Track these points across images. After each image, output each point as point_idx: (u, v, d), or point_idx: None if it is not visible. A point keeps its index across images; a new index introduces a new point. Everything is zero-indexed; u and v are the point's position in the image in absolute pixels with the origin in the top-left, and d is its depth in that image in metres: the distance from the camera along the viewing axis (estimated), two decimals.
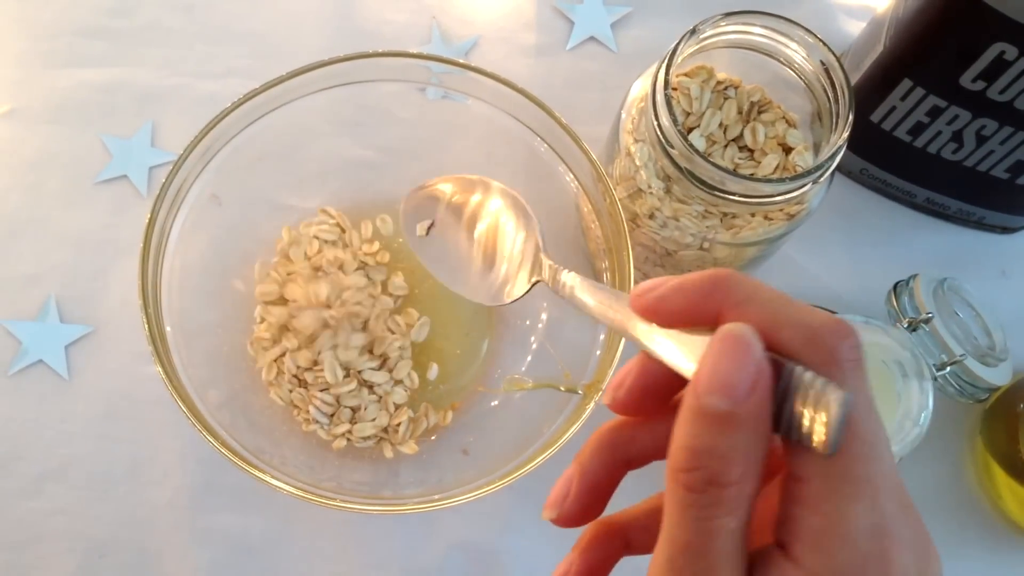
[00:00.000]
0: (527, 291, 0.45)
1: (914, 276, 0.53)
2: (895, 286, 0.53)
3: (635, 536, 0.32)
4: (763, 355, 0.25)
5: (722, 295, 0.27)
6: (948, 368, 0.50)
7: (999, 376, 0.53)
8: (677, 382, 0.28)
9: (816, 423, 0.24)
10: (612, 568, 0.32)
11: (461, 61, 0.52)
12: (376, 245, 0.58)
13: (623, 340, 0.48)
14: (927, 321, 0.50)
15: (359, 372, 0.54)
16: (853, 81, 0.57)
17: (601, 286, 0.36)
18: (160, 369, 0.46)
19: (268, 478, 0.45)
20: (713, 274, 0.28)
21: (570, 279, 0.38)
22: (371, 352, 0.55)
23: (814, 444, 0.24)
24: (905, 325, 0.50)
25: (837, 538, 0.25)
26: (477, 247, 0.49)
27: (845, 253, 0.63)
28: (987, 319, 0.54)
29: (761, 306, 0.26)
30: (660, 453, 0.29)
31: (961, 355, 0.50)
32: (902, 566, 0.25)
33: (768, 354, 0.25)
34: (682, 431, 0.25)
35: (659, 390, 0.30)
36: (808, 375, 0.25)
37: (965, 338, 0.51)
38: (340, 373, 0.53)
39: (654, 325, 0.29)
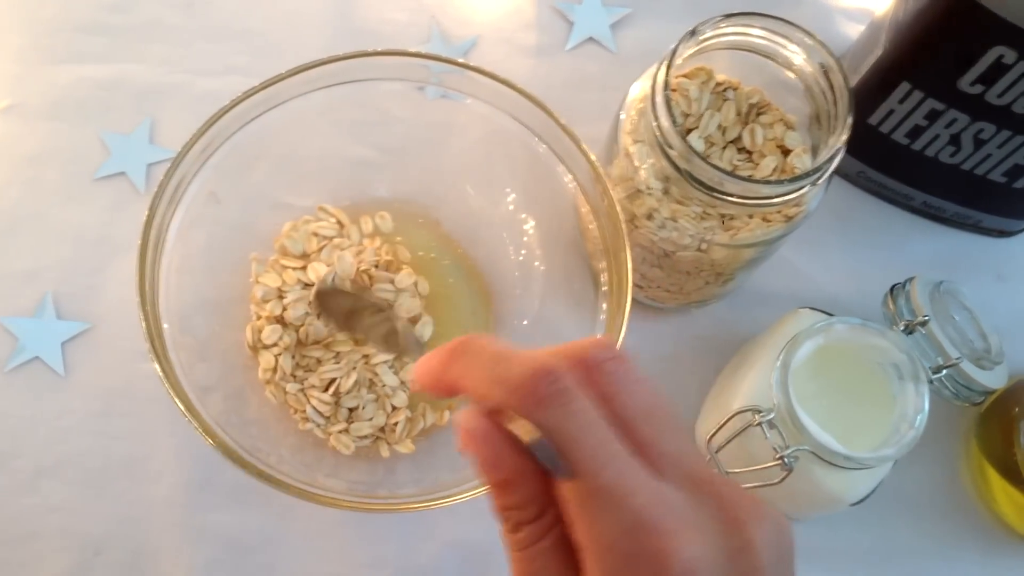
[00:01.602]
0: None
1: (911, 279, 0.53)
2: (892, 289, 0.53)
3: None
4: (485, 430, 0.29)
5: (453, 366, 0.31)
6: (944, 371, 0.50)
7: (994, 379, 0.53)
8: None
9: (540, 455, 0.29)
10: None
11: (460, 60, 0.52)
12: (378, 241, 0.58)
13: (620, 342, 0.48)
14: (923, 324, 0.50)
15: (373, 367, 0.54)
16: (851, 84, 0.57)
17: None
18: (157, 366, 0.46)
19: (269, 480, 0.45)
20: (449, 345, 0.31)
21: None
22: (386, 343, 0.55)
23: (556, 473, 0.29)
24: (901, 328, 0.50)
25: (599, 550, 0.28)
26: None
27: (842, 255, 0.63)
28: (983, 322, 0.55)
29: (476, 375, 0.30)
30: None
31: (957, 358, 0.50)
32: (686, 550, 0.27)
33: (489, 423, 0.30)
34: (491, 498, 0.31)
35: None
36: (516, 430, 0.29)
37: (961, 341, 0.51)
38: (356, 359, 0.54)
39: None
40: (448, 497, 0.46)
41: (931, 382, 0.49)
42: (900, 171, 0.61)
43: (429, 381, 0.32)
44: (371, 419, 0.54)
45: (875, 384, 0.49)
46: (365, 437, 0.54)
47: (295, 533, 0.56)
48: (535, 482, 0.29)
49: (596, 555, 0.28)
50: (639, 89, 0.50)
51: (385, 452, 0.54)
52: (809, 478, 0.49)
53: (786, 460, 0.47)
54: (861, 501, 0.51)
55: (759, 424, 0.48)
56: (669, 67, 0.46)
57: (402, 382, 0.55)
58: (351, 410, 0.54)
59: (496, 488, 0.30)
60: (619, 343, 0.48)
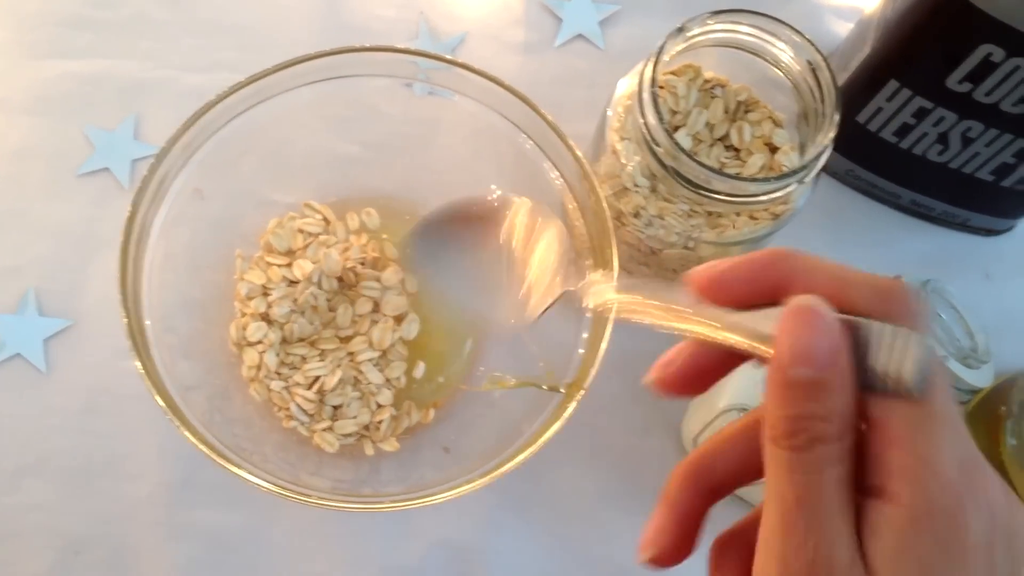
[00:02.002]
0: (553, 303, 0.43)
1: (898, 278, 0.53)
2: None
3: (721, 466, 0.32)
4: (836, 320, 0.26)
5: (784, 268, 0.28)
6: None
7: (981, 378, 0.53)
8: (726, 362, 0.30)
9: (903, 368, 0.26)
10: (703, 520, 0.32)
11: (448, 57, 0.52)
12: (365, 238, 0.57)
13: (606, 340, 0.47)
14: None
15: (358, 364, 0.54)
16: (840, 82, 0.57)
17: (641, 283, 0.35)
18: (138, 364, 0.46)
19: (246, 474, 0.45)
20: (772, 251, 0.29)
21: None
22: (371, 343, 0.54)
23: (904, 387, 0.26)
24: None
25: (930, 472, 0.26)
26: (498, 266, 0.47)
27: (830, 254, 0.61)
28: (970, 321, 0.54)
29: (826, 273, 0.27)
30: (741, 480, 0.31)
31: (943, 357, 0.49)
32: (994, 497, 0.26)
33: (840, 316, 0.26)
34: (776, 403, 0.27)
35: (708, 370, 0.31)
36: (882, 327, 0.26)
37: (948, 340, 0.51)
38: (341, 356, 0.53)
39: (716, 309, 0.29)
40: (432, 496, 0.46)
41: None
42: (888, 169, 0.61)
43: (739, 273, 0.29)
44: (355, 417, 0.54)
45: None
46: (349, 435, 0.54)
47: (278, 531, 0.55)
48: (849, 395, 0.26)
49: (915, 478, 0.25)
50: (626, 86, 0.50)
51: (369, 450, 0.54)
52: None
53: None
54: None
55: None
56: (656, 64, 0.45)
57: (387, 379, 0.54)
58: (335, 408, 0.54)
59: (801, 389, 0.26)
60: (605, 340, 0.48)
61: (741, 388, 0.51)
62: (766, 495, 0.27)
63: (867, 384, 0.26)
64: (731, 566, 0.32)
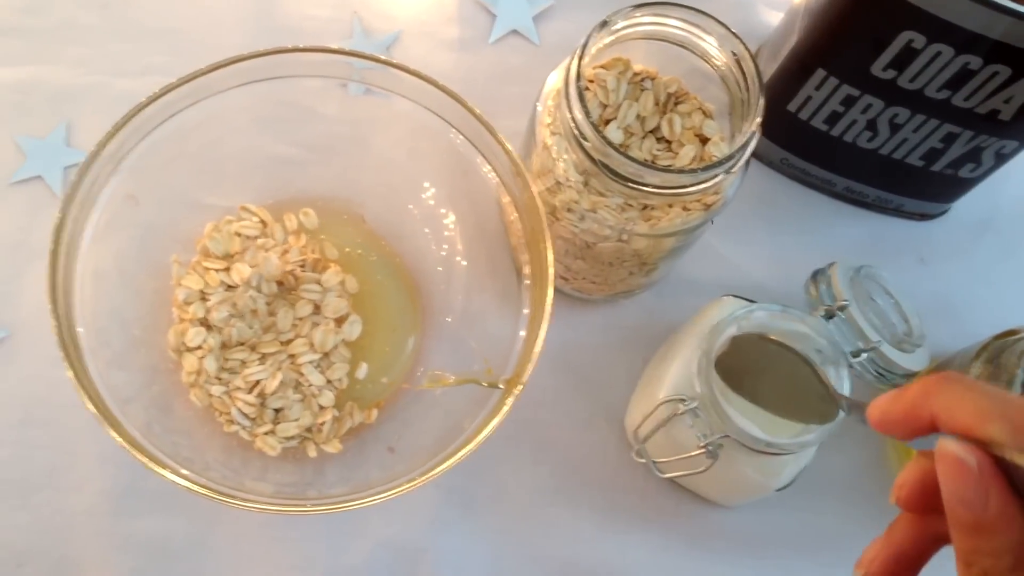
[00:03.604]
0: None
1: (832, 264, 0.53)
2: (814, 274, 0.54)
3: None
4: (976, 462, 0.28)
5: (933, 401, 0.30)
6: (864, 355, 0.50)
7: (915, 362, 0.53)
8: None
9: None
10: (927, 559, 0.34)
11: (383, 57, 0.52)
12: (303, 238, 0.57)
13: (542, 336, 0.48)
14: (843, 308, 0.50)
15: (299, 366, 0.54)
16: (770, 71, 0.58)
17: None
18: (70, 372, 0.45)
19: (181, 480, 0.44)
20: (923, 382, 0.31)
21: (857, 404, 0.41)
22: (312, 345, 0.54)
23: None
24: (822, 313, 0.51)
25: None
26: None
27: (766, 242, 0.63)
28: (904, 305, 0.55)
29: (971, 405, 0.29)
30: None
31: (877, 341, 0.50)
32: None
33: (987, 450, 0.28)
34: (951, 533, 0.29)
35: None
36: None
37: (882, 325, 0.52)
38: (281, 360, 0.53)
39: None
40: (375, 495, 0.46)
41: (851, 366, 0.50)
42: (821, 157, 0.61)
43: (899, 412, 0.31)
44: (298, 419, 0.53)
45: (800, 369, 0.50)
46: (292, 438, 0.54)
47: (222, 537, 0.55)
48: (1016, 530, 0.28)
49: None
50: (555, 80, 0.50)
51: (312, 452, 0.54)
52: (734, 465, 0.49)
53: (710, 448, 0.48)
54: (786, 487, 0.51)
55: (683, 413, 0.48)
56: (581, 58, 0.46)
57: (328, 381, 0.54)
58: (277, 411, 0.53)
59: (969, 529, 0.28)
60: (542, 336, 0.48)
61: (680, 379, 0.51)
62: None
63: None
64: (910, 535, 0.34)
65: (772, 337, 0.49)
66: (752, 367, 0.49)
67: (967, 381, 0.30)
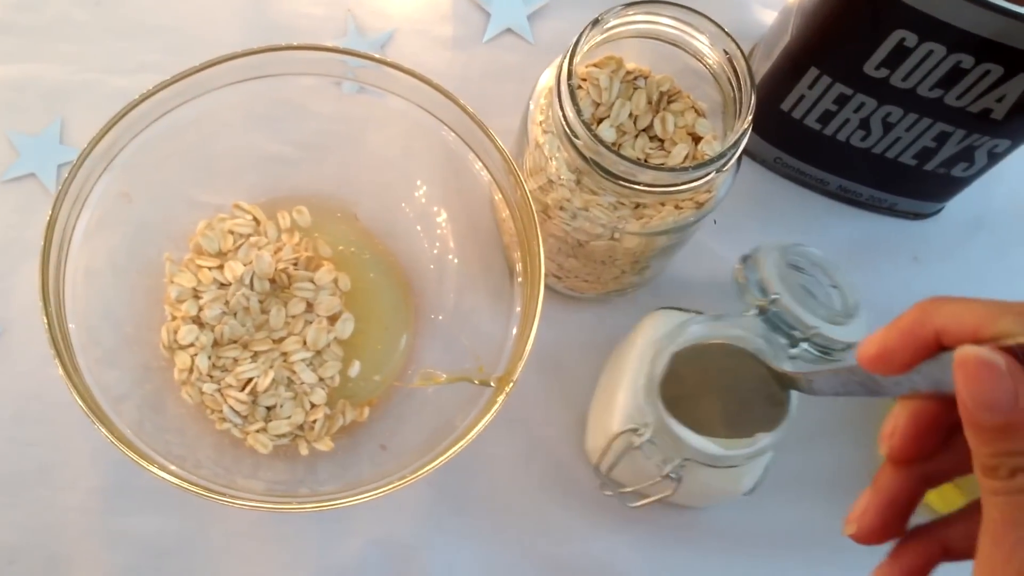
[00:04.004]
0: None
1: (757, 249, 0.51)
2: (740, 269, 0.51)
3: (955, 541, 0.34)
4: (1004, 363, 0.28)
5: (935, 321, 0.30)
6: (803, 342, 0.48)
7: (855, 332, 0.51)
8: (947, 413, 0.32)
9: None
10: (912, 506, 0.34)
11: (377, 56, 0.52)
12: (297, 236, 0.57)
13: (533, 333, 0.48)
14: (774, 302, 0.48)
15: (291, 364, 0.54)
16: (764, 70, 0.58)
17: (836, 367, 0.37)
18: (62, 371, 0.45)
19: (172, 477, 0.44)
20: (918, 308, 0.31)
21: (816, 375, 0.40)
22: (304, 343, 0.54)
23: None
24: (755, 312, 0.49)
25: None
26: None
27: (760, 241, 0.63)
28: (836, 276, 0.53)
29: (975, 312, 0.29)
30: (959, 470, 0.33)
31: (814, 326, 0.48)
32: None
33: (1005, 346, 0.28)
34: (974, 442, 0.29)
35: (933, 428, 0.32)
36: None
37: (817, 305, 0.50)
38: (273, 357, 0.53)
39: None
40: (367, 493, 0.46)
41: (793, 358, 0.48)
42: (814, 156, 0.61)
43: (898, 338, 0.31)
44: (289, 417, 0.53)
45: (745, 372, 0.48)
46: (283, 436, 0.53)
47: (214, 535, 0.55)
48: None
49: None
50: (548, 78, 0.50)
51: (304, 450, 0.54)
52: (699, 479, 0.49)
53: (672, 475, 0.47)
54: (753, 489, 0.51)
55: (639, 446, 0.47)
56: (573, 56, 0.46)
57: (320, 379, 0.54)
58: (269, 409, 0.53)
59: (997, 431, 0.28)
60: (533, 334, 0.48)
61: (629, 406, 0.50)
62: (982, 513, 0.29)
63: None
64: (910, 554, 0.34)
65: (713, 341, 0.48)
66: (697, 384, 0.48)
67: (961, 296, 0.30)
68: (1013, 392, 0.27)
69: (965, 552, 0.33)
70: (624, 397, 0.51)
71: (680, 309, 0.53)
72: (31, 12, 0.65)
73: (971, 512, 0.34)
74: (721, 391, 0.48)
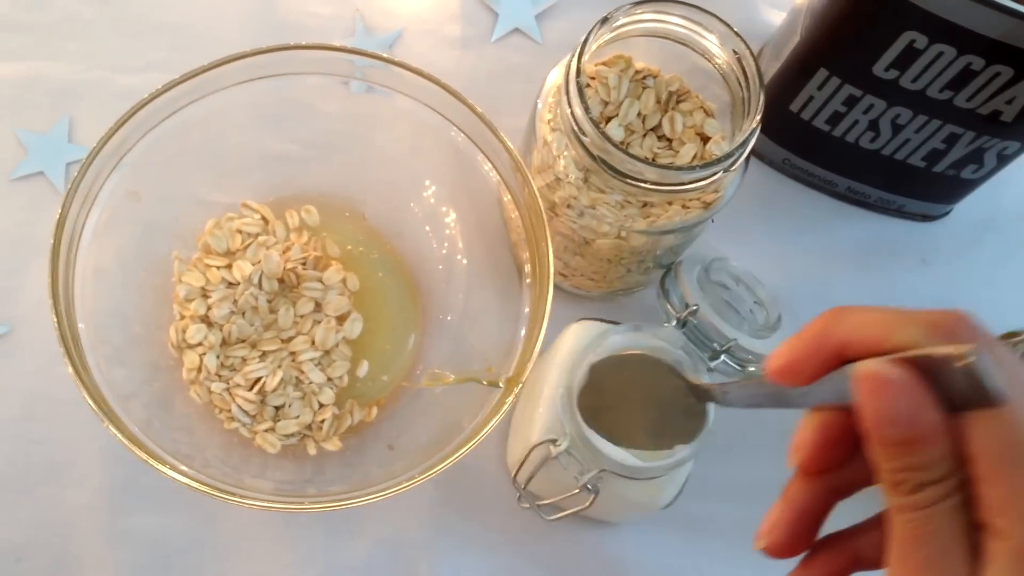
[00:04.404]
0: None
1: (678, 264, 0.51)
2: (661, 280, 0.51)
3: (866, 550, 0.33)
4: (904, 377, 0.27)
5: (839, 332, 0.29)
6: (722, 355, 0.49)
7: (775, 347, 0.51)
8: (855, 425, 0.30)
9: (975, 381, 0.26)
10: (822, 517, 0.33)
11: (385, 55, 0.52)
12: (305, 235, 0.57)
13: (542, 334, 0.47)
14: (693, 314, 0.49)
15: (300, 364, 0.54)
16: (772, 71, 0.58)
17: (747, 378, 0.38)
18: (71, 369, 0.45)
19: (182, 477, 0.44)
20: (822, 319, 0.30)
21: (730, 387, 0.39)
22: (313, 343, 0.54)
23: (984, 400, 0.26)
24: (674, 323, 0.49)
25: (1020, 507, 0.26)
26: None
27: (768, 242, 0.63)
28: (759, 292, 0.53)
29: (876, 323, 0.29)
30: (869, 481, 0.32)
31: (733, 339, 0.48)
32: None
33: (904, 356, 0.27)
34: (877, 457, 0.28)
35: (841, 440, 0.31)
36: (942, 350, 0.26)
37: (738, 319, 0.50)
38: (282, 357, 0.53)
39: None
40: (375, 493, 0.46)
41: (711, 369, 0.48)
42: (823, 157, 0.61)
43: (803, 350, 0.30)
44: (297, 417, 0.53)
45: (662, 384, 0.48)
46: (292, 435, 0.54)
47: (222, 534, 0.55)
48: (944, 441, 0.27)
49: (1015, 514, 0.26)
50: (556, 77, 0.50)
51: (312, 450, 0.54)
52: (617, 492, 0.48)
53: (589, 486, 0.46)
54: (672, 503, 0.50)
55: (556, 456, 0.47)
56: (582, 55, 0.46)
57: (329, 379, 0.54)
58: (277, 408, 0.54)
59: (898, 446, 0.27)
60: (542, 335, 0.48)
61: (549, 417, 0.50)
62: (888, 530, 0.29)
63: (954, 407, 0.27)
64: (820, 564, 0.33)
65: (632, 352, 0.47)
66: (617, 395, 0.48)
67: (856, 307, 0.30)
68: (912, 407, 0.27)
69: (876, 561, 0.32)
70: (544, 408, 0.50)
71: (602, 320, 0.52)
72: (39, 10, 0.65)
73: (882, 521, 0.33)
74: (641, 403, 0.47)
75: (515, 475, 0.50)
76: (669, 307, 0.50)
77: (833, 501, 0.33)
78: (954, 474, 0.27)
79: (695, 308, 0.48)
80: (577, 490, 0.47)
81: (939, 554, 0.27)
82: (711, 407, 0.45)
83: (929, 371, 0.27)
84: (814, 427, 0.32)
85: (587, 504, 0.47)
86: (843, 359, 0.30)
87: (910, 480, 0.27)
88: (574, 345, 0.51)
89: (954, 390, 0.27)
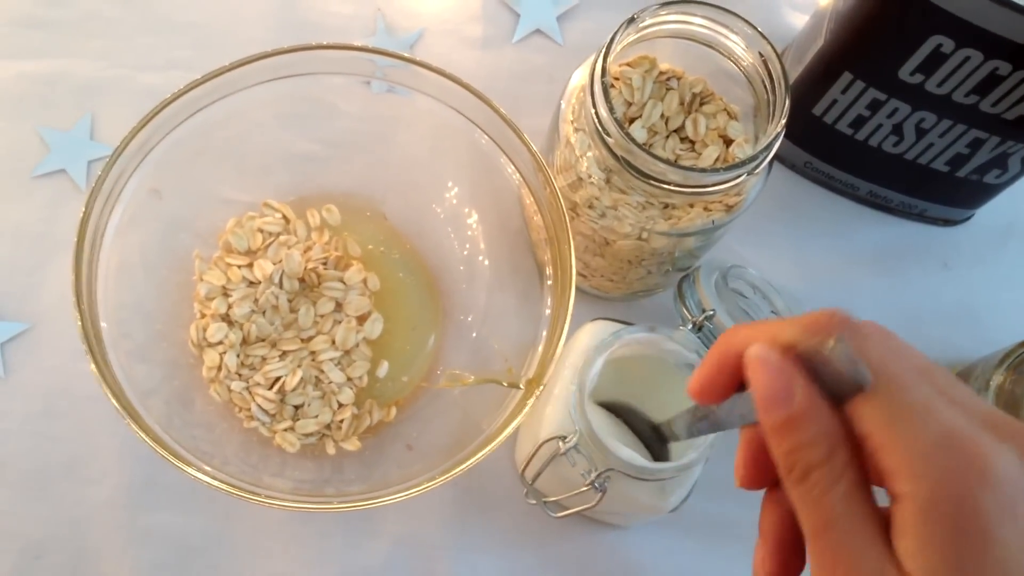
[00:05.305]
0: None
1: (696, 270, 0.51)
2: (679, 284, 0.51)
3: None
4: (778, 357, 0.29)
5: (734, 346, 0.31)
6: None
7: None
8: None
9: (844, 371, 0.28)
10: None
11: (406, 55, 0.52)
12: (326, 235, 0.57)
13: (563, 335, 0.47)
14: (710, 318, 0.48)
15: (320, 364, 0.54)
16: (795, 74, 0.58)
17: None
18: (93, 366, 0.45)
19: (204, 476, 0.44)
20: (721, 338, 0.32)
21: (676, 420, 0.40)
22: (333, 343, 0.54)
23: (855, 386, 0.28)
24: (689, 327, 0.49)
25: (915, 466, 0.27)
26: None
27: (789, 246, 0.63)
28: (776, 302, 0.53)
29: (761, 331, 0.31)
30: None
31: None
32: (1002, 462, 0.26)
33: (780, 348, 0.29)
34: (773, 449, 0.29)
35: (767, 455, 0.32)
36: (818, 343, 0.29)
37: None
38: (302, 356, 0.53)
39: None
40: (394, 494, 0.46)
41: None
42: (845, 161, 0.61)
43: (710, 370, 0.32)
44: (317, 416, 0.53)
45: (676, 388, 0.47)
46: (311, 435, 0.54)
47: (240, 532, 0.55)
48: (825, 418, 0.28)
49: (911, 473, 0.27)
50: (580, 77, 0.50)
51: (331, 449, 0.54)
52: (624, 492, 0.48)
53: (596, 484, 0.46)
54: (679, 506, 0.50)
55: (565, 452, 0.47)
56: (607, 55, 0.45)
57: (348, 378, 0.54)
58: (296, 408, 0.54)
59: (783, 428, 0.29)
60: (564, 337, 0.48)
61: (559, 414, 0.49)
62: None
63: (840, 400, 0.28)
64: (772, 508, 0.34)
65: (643, 354, 0.48)
66: (627, 394, 0.48)
67: (756, 321, 0.32)
68: (790, 386, 0.28)
69: None
70: (554, 405, 0.50)
71: (616, 320, 0.52)
72: (62, 8, 0.65)
73: None
74: (651, 403, 0.48)
75: (523, 471, 0.50)
76: (685, 311, 0.49)
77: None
78: (838, 453, 0.28)
79: (711, 313, 0.48)
80: (584, 488, 0.47)
81: (848, 536, 0.28)
82: None
83: (807, 364, 0.29)
84: (742, 444, 0.33)
85: (594, 503, 0.47)
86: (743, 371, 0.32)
87: (799, 463, 0.28)
88: (587, 343, 0.50)
89: (831, 380, 0.28)
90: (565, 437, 0.47)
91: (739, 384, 0.32)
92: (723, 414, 0.34)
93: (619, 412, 0.50)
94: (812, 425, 0.28)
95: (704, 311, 0.48)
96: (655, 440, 0.48)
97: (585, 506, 0.47)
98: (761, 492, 0.33)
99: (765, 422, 0.29)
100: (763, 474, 0.33)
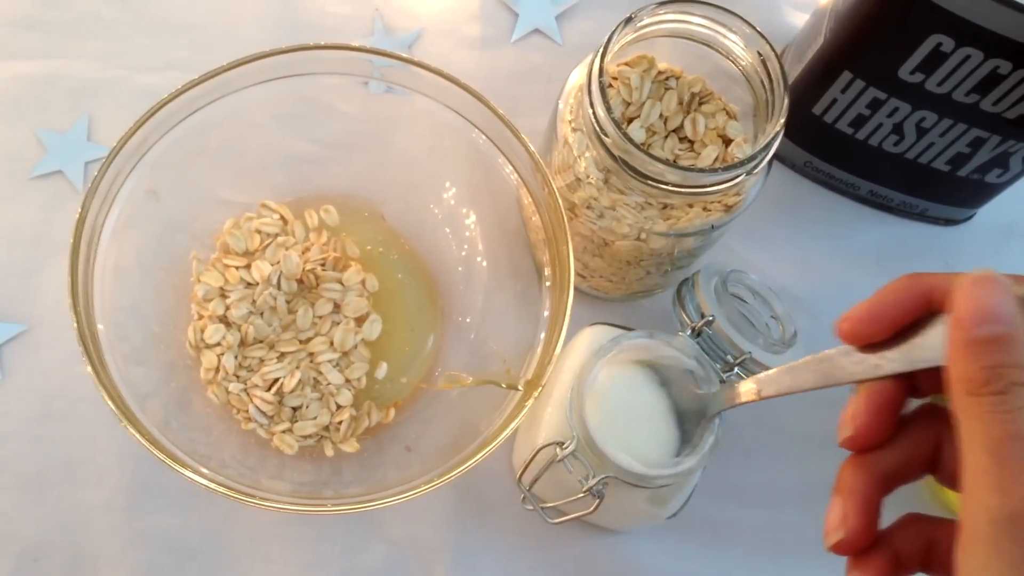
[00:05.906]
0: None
1: (695, 275, 0.51)
2: (678, 289, 0.51)
3: (904, 548, 0.35)
4: (1008, 280, 0.30)
5: (924, 286, 0.33)
6: (736, 368, 0.48)
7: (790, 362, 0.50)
8: (901, 398, 0.34)
9: None
10: (879, 509, 0.34)
11: (404, 55, 0.52)
12: (325, 236, 0.57)
13: (562, 336, 0.47)
14: (709, 324, 0.48)
15: (318, 365, 0.54)
16: (795, 73, 0.57)
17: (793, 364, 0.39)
18: (90, 369, 0.45)
19: (202, 479, 0.44)
20: (906, 277, 0.34)
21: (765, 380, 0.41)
22: (332, 344, 0.54)
23: None
24: (688, 332, 0.48)
25: None
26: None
27: (789, 246, 0.63)
28: (775, 307, 0.53)
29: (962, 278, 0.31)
30: (912, 471, 0.34)
31: (748, 352, 0.48)
32: None
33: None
34: (968, 359, 0.30)
35: (890, 410, 0.34)
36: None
37: (753, 332, 0.49)
38: (301, 357, 0.53)
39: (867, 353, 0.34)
40: (393, 496, 0.46)
41: (724, 381, 0.47)
42: (845, 160, 0.61)
43: (889, 300, 0.33)
44: (315, 418, 0.53)
45: (685, 390, 0.47)
46: (309, 436, 0.53)
47: (238, 535, 0.55)
48: None
49: None
50: (578, 77, 0.50)
51: (330, 451, 0.54)
52: (621, 499, 0.47)
53: (594, 491, 0.46)
54: (676, 513, 0.50)
55: (562, 459, 0.46)
56: (605, 54, 0.45)
57: (347, 380, 0.54)
58: (295, 409, 0.53)
59: (992, 343, 0.29)
60: (562, 338, 0.47)
61: (557, 419, 0.49)
62: (965, 446, 0.29)
63: None
64: (872, 563, 0.34)
65: (642, 359, 0.47)
66: (626, 401, 0.47)
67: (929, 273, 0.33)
68: (1011, 305, 0.29)
69: (913, 559, 0.34)
70: (552, 410, 0.50)
71: (616, 325, 0.52)
72: (59, 8, 0.65)
73: (916, 519, 0.35)
74: (650, 411, 0.47)
75: (520, 475, 0.49)
76: (684, 316, 0.49)
77: (884, 491, 0.34)
78: None
79: (711, 319, 0.48)
80: (581, 494, 0.46)
81: None
82: (718, 421, 0.45)
83: None
84: (865, 397, 0.34)
85: (591, 509, 0.47)
86: (927, 308, 0.32)
87: (1003, 377, 0.29)
88: (586, 348, 0.50)
89: None
90: (563, 443, 0.47)
91: (914, 317, 0.33)
92: (852, 363, 0.34)
93: (662, 372, 0.48)
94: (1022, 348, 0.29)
95: (703, 316, 0.48)
96: (694, 412, 0.46)
97: (582, 512, 0.47)
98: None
99: (967, 336, 0.29)
100: (882, 433, 0.34)
